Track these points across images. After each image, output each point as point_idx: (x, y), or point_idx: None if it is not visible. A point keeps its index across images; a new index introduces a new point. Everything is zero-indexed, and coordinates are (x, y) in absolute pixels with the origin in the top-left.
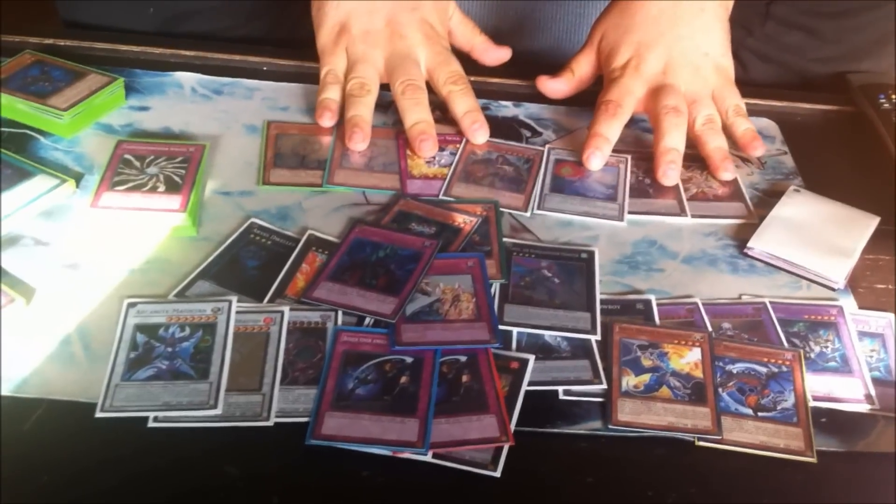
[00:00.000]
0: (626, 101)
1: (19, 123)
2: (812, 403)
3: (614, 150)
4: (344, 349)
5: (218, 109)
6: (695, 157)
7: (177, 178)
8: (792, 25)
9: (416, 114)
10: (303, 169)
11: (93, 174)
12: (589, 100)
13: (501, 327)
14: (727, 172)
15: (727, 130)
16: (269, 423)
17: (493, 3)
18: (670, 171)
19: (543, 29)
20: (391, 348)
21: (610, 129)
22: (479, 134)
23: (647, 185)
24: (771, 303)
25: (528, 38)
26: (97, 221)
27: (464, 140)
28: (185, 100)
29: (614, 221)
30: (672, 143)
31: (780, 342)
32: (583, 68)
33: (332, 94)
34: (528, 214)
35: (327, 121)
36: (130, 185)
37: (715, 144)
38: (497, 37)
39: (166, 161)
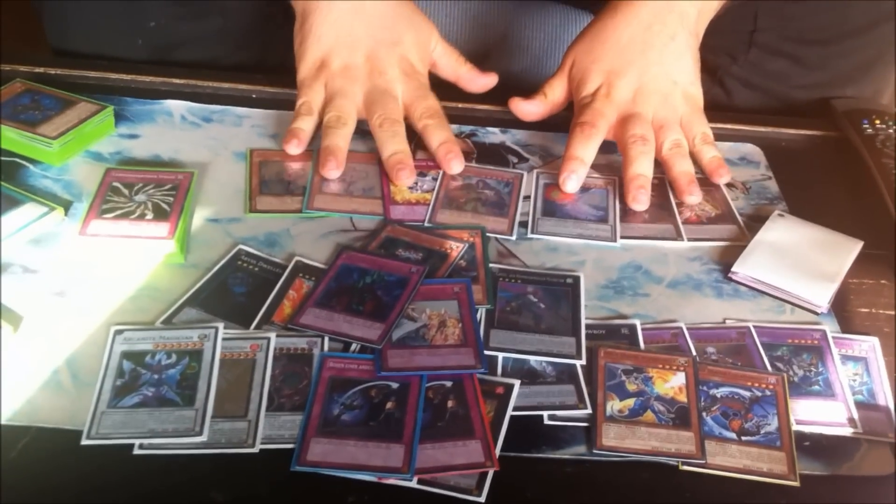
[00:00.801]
0: (599, 122)
1: (9, 151)
2: (795, 427)
3: (602, 173)
4: (330, 375)
5: (207, 137)
6: None
7: (165, 206)
8: (776, 53)
9: (393, 145)
10: (289, 195)
11: (81, 202)
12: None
13: (487, 352)
14: (693, 196)
15: (694, 158)
16: (255, 450)
17: (472, 24)
18: (640, 196)
19: (522, 49)
20: (377, 374)
21: (585, 150)
22: (453, 164)
23: (642, 211)
24: (755, 327)
25: (507, 59)
26: (85, 249)
27: None
28: (174, 127)
29: (608, 242)
30: (639, 170)
31: (763, 366)
32: (555, 92)
33: (303, 124)
34: (513, 238)
35: (293, 148)
36: (119, 212)
37: (681, 169)
38: (477, 57)
39: (155, 188)
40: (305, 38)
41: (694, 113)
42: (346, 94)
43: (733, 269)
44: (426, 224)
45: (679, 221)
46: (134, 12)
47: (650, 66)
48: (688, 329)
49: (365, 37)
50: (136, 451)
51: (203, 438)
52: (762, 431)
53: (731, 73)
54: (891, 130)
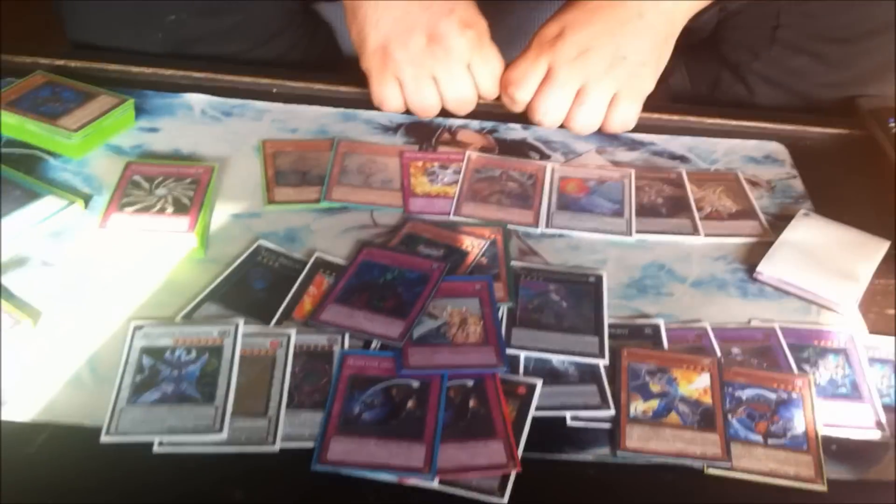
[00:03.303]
0: (520, 94)
1: (29, 144)
2: (822, 431)
3: (618, 165)
4: (350, 373)
5: (227, 131)
6: (707, 178)
7: (185, 200)
8: (798, 50)
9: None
10: (306, 185)
11: (101, 195)
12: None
13: (509, 351)
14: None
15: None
16: (275, 448)
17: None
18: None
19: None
20: (398, 372)
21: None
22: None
23: (659, 206)
24: (780, 328)
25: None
26: (105, 242)
27: (466, 158)
28: (194, 121)
29: (623, 236)
30: (536, 104)
31: (789, 368)
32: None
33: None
34: (538, 231)
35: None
36: (139, 206)
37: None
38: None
39: (175, 182)
40: (362, 27)
41: (629, 95)
42: (420, 87)
43: (758, 268)
44: (451, 216)
45: (696, 217)
46: (153, 6)
47: (604, 34)
48: (712, 329)
49: (420, 13)
50: (156, 449)
51: (223, 436)
52: (788, 434)
53: (753, 70)
54: None
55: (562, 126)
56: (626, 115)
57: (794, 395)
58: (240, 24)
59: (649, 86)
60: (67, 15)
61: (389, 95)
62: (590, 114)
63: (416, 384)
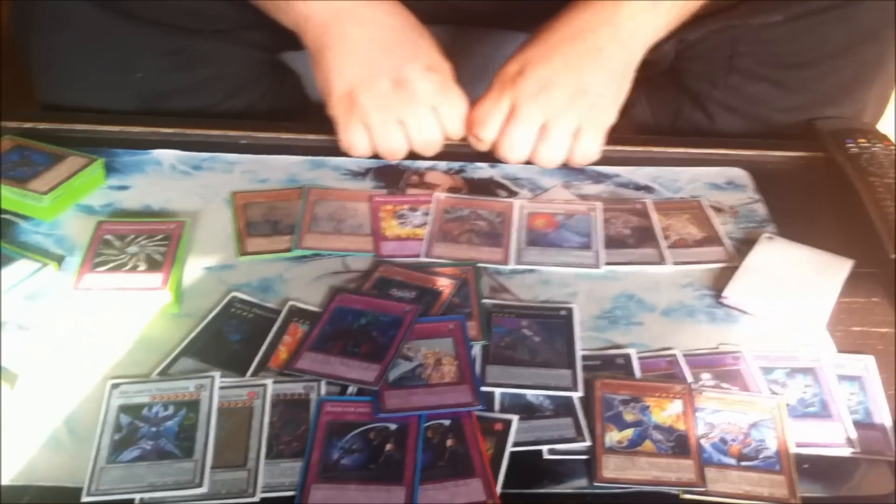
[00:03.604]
0: (485, 133)
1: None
2: (794, 450)
3: (584, 199)
4: (328, 419)
5: (198, 185)
6: (672, 207)
7: (157, 256)
8: (756, 77)
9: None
10: (277, 235)
11: (74, 256)
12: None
13: (484, 388)
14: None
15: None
16: (256, 499)
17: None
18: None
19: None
20: (375, 415)
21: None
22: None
23: (626, 236)
24: (749, 351)
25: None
26: (80, 303)
27: (434, 199)
28: (164, 177)
29: (591, 269)
30: (501, 141)
31: (759, 390)
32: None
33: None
34: (509, 268)
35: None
36: (111, 265)
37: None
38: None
39: (147, 239)
40: (327, 75)
41: (590, 126)
42: (387, 131)
43: (724, 293)
44: (423, 258)
45: (663, 245)
46: (122, 64)
47: (564, 69)
48: (683, 356)
49: (384, 59)
50: None
51: (203, 490)
52: (761, 456)
53: (713, 98)
54: (875, 148)
55: (528, 162)
56: (590, 148)
57: (766, 417)
58: (209, 78)
59: (611, 117)
60: (35, 75)
61: (357, 141)
62: (554, 148)
63: (393, 427)
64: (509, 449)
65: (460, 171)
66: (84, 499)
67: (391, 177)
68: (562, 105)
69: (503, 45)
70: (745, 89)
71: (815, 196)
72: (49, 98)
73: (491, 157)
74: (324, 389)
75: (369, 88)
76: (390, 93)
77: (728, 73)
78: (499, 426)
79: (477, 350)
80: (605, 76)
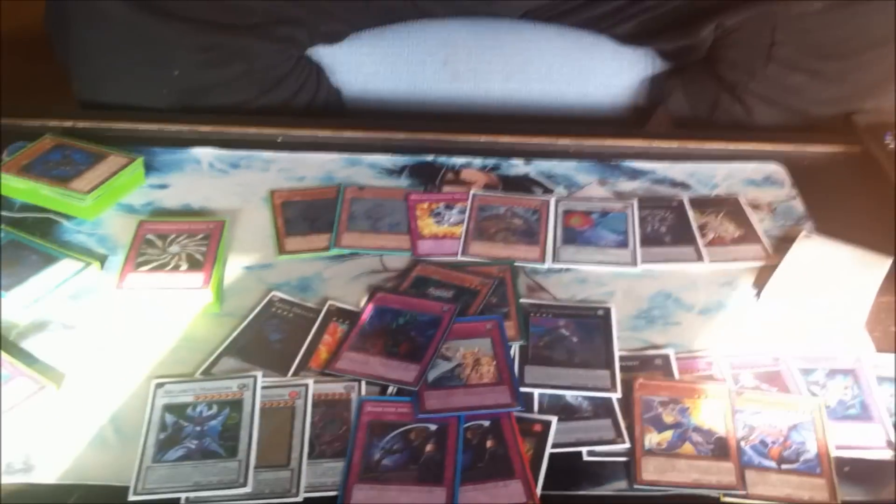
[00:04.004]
0: None
1: (43, 208)
2: (835, 453)
3: (620, 196)
4: (369, 419)
5: (235, 183)
6: (708, 203)
7: (198, 256)
8: (794, 67)
9: None
10: (315, 233)
11: (116, 255)
12: (599, 154)
13: (522, 389)
14: None
15: None
16: (299, 499)
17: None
18: None
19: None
20: (415, 416)
21: None
22: None
23: (663, 234)
24: (788, 352)
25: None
26: (123, 303)
27: (471, 197)
28: (203, 175)
29: (628, 267)
30: None
31: (799, 391)
32: None
33: None
34: (545, 266)
35: None
36: (154, 264)
37: None
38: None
39: (187, 239)
40: None
41: None
42: None
43: (763, 293)
44: (459, 257)
45: (700, 243)
46: (157, 60)
47: None
48: (721, 357)
49: None
50: None
51: (248, 489)
52: (801, 459)
53: (750, 90)
54: None
55: None
56: None
57: (806, 419)
58: (243, 73)
59: None
60: (75, 74)
61: None
62: None
63: (433, 427)
64: (549, 450)
65: (495, 167)
66: (131, 497)
67: (427, 174)
68: None
69: (535, 38)
70: (783, 80)
71: (852, 192)
72: (88, 96)
73: (525, 153)
74: (364, 389)
75: None
76: None
77: (766, 63)
78: (538, 427)
79: (515, 350)
80: None
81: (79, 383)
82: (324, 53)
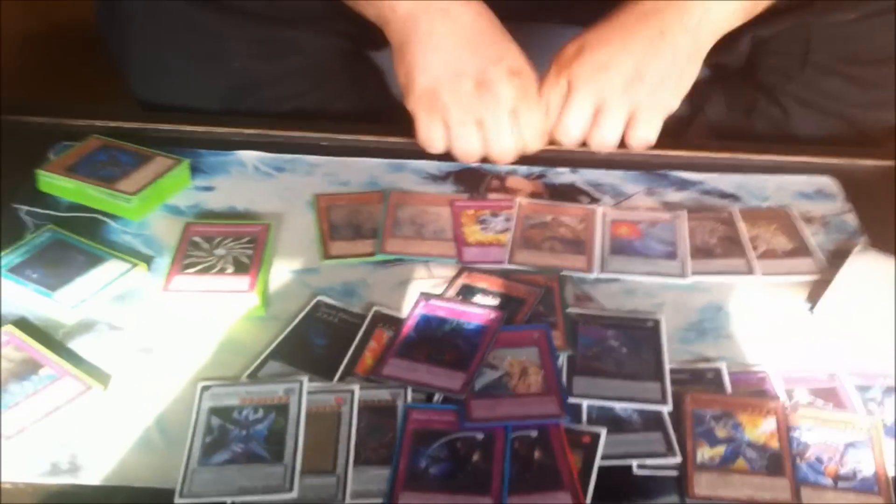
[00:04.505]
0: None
1: (89, 208)
2: (892, 472)
3: (669, 207)
4: (414, 427)
5: (280, 186)
6: (759, 216)
7: (244, 259)
8: (831, 72)
9: None
10: (360, 239)
11: (162, 256)
12: (647, 164)
13: (571, 400)
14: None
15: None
16: None
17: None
18: None
19: None
20: (462, 425)
21: None
22: None
23: (713, 246)
24: (844, 368)
25: None
26: (170, 305)
27: (517, 205)
28: (248, 178)
29: (678, 279)
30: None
31: (855, 409)
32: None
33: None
34: (593, 276)
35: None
36: (200, 267)
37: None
38: None
39: (233, 242)
40: (410, 69)
41: (646, 111)
42: (465, 132)
43: (818, 307)
44: (506, 265)
45: (751, 256)
46: (213, 54)
47: (622, 52)
48: (775, 371)
49: (469, 59)
50: None
51: (294, 495)
52: (858, 477)
53: (787, 92)
54: None
55: (583, 145)
56: (645, 133)
57: (863, 437)
58: (297, 67)
59: (671, 103)
60: (134, 72)
61: (435, 136)
62: (607, 131)
63: (480, 436)
64: (598, 462)
65: (541, 175)
66: (177, 500)
67: (472, 181)
68: (617, 88)
69: (551, 40)
70: (820, 84)
71: None
72: (144, 92)
73: (571, 161)
74: (409, 396)
75: (453, 87)
76: (473, 93)
77: (803, 68)
78: (587, 439)
79: (563, 360)
80: (665, 61)
81: (125, 385)
82: (377, 56)
